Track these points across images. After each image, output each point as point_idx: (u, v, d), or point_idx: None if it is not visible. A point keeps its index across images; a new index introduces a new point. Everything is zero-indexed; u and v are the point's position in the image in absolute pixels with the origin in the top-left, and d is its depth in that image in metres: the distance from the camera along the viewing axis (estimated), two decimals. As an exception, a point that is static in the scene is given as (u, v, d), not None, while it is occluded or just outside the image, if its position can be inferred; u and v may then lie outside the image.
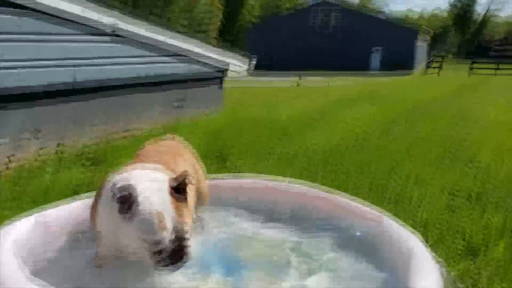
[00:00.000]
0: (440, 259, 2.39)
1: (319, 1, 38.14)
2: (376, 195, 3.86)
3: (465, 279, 2.59)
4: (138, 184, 1.94)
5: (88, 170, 4.85)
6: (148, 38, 6.85)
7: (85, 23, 5.76)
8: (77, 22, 5.65)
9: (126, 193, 1.87)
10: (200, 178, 2.60)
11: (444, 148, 5.80)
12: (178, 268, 1.89)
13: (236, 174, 3.65)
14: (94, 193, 2.64)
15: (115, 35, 6.23)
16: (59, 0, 5.36)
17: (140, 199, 1.88)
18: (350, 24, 36.02)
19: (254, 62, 9.12)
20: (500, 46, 50.04)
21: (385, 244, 2.36)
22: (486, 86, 17.73)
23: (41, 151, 5.39)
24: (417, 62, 36.17)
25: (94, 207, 2.08)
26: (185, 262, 1.89)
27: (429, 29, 42.08)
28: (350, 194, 2.71)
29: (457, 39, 55.72)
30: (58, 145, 5.60)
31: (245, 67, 8.86)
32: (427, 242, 2.48)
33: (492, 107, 10.21)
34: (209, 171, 2.80)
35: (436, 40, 47.88)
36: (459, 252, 2.92)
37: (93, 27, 5.88)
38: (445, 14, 63.68)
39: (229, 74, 8.74)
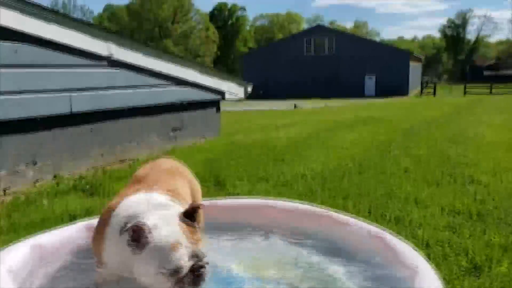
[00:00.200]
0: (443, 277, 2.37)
1: (313, 27, 38.68)
2: (375, 218, 3.83)
3: (470, 298, 2.54)
4: (148, 214, 1.90)
5: (84, 200, 4.81)
6: (143, 66, 6.90)
7: (82, 51, 5.81)
8: (74, 50, 5.69)
9: (137, 225, 1.83)
10: (199, 196, 2.58)
11: (442, 168, 5.80)
12: None
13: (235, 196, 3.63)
14: (89, 219, 2.61)
15: (112, 64, 6.27)
16: (55, 29, 5.41)
17: (152, 229, 1.84)
18: (344, 49, 36.46)
19: (250, 88, 9.16)
20: (492, 70, 50.79)
21: (389, 260, 2.33)
22: (481, 106, 17.87)
23: (37, 183, 5.36)
24: (411, 87, 36.54)
25: (98, 239, 2.01)
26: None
27: (421, 56, 42.68)
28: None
29: (449, 63, 56.51)
30: (55, 176, 5.57)
31: (242, 93, 8.91)
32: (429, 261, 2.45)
33: (488, 127, 10.26)
34: (206, 195, 2.78)
35: (429, 65, 48.51)
36: (463, 270, 2.87)
37: (89, 55, 5.92)
38: (436, 40, 64.82)
39: (226, 99, 8.79)
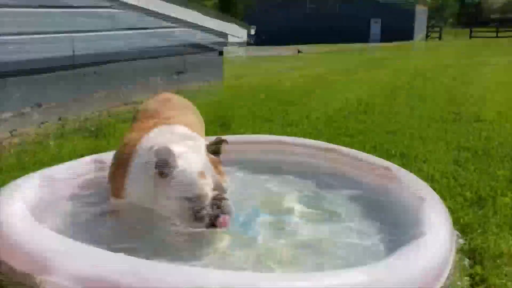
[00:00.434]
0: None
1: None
2: (381, 154, 3.84)
3: (474, 227, 2.57)
4: (175, 143, 1.91)
5: (90, 141, 4.84)
6: (147, 7, 6.75)
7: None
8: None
9: (164, 152, 1.84)
10: (204, 132, 2.59)
11: (448, 108, 5.78)
12: (222, 227, 1.86)
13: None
14: (98, 155, 2.62)
15: (115, 5, 6.14)
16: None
17: (179, 156, 1.85)
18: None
19: (253, 31, 8.99)
20: (499, 14, 49.57)
21: (396, 190, 2.37)
22: (487, 48, 17.58)
23: (43, 125, 5.37)
24: (417, 32, 35.80)
25: (119, 172, 2.02)
26: (227, 222, 1.86)
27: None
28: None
29: (456, 7, 55.11)
30: (60, 119, 5.58)
31: (245, 35, 8.75)
32: (435, 191, 2.48)
33: (494, 68, 10.14)
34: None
35: (436, 9, 47.34)
36: (467, 201, 2.91)
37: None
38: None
39: (230, 42, 8.65)
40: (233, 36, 8.52)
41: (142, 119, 2.30)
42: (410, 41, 31.05)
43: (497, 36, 26.60)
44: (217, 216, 1.82)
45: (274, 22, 35.80)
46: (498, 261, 2.21)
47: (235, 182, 2.38)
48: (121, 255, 1.53)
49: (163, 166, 1.83)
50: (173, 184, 1.83)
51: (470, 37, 26.69)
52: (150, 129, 2.06)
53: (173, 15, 7.33)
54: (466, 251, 2.33)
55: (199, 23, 7.91)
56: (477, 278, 2.08)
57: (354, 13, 35.64)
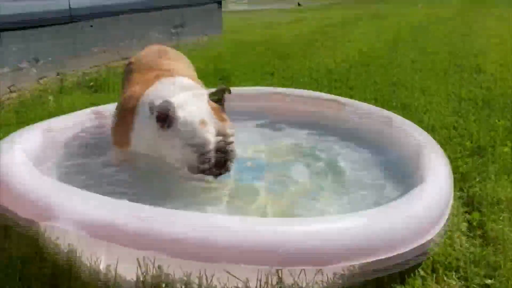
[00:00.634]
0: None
1: None
2: (382, 105, 3.81)
3: (473, 175, 2.60)
4: (178, 94, 1.92)
5: (89, 96, 4.82)
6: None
7: None
8: None
9: (165, 108, 1.84)
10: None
11: (449, 60, 5.71)
12: (226, 172, 1.89)
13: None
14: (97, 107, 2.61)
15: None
16: None
17: (180, 106, 1.86)
18: None
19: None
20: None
21: (396, 137, 2.38)
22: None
23: (41, 80, 5.33)
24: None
25: (123, 124, 2.03)
26: (231, 167, 1.89)
27: None
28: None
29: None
30: (58, 74, 5.53)
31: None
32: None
33: (497, 20, 9.96)
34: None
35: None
36: (467, 150, 2.92)
37: None
38: None
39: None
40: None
41: (140, 71, 2.28)
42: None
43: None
44: (221, 162, 1.84)
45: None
46: (495, 207, 2.24)
47: (237, 131, 2.39)
48: (124, 201, 1.55)
49: (164, 119, 1.84)
50: (175, 135, 1.85)
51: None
52: (153, 81, 2.05)
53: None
54: (464, 199, 2.36)
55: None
56: (474, 223, 2.11)
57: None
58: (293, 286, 1.52)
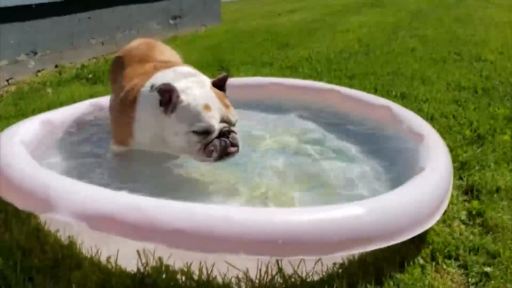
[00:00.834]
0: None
1: None
2: (382, 94, 3.82)
3: (473, 163, 2.59)
4: (181, 80, 1.91)
5: (88, 88, 4.80)
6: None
7: None
8: None
9: (166, 86, 1.84)
10: None
11: (449, 48, 5.69)
12: (229, 157, 1.87)
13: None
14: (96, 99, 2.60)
15: None
16: None
17: (183, 90, 1.86)
18: None
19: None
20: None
21: (396, 127, 2.37)
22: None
23: (39, 72, 5.32)
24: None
25: (125, 116, 2.00)
26: (235, 151, 1.88)
27: None
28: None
29: None
30: (56, 66, 5.52)
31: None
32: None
33: (497, 8, 9.91)
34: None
35: None
36: (467, 139, 2.92)
37: None
38: None
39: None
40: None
41: (133, 64, 2.25)
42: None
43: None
44: (225, 148, 1.83)
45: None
46: (495, 196, 2.25)
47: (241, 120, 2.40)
48: (124, 192, 1.54)
49: (167, 102, 1.84)
50: (179, 119, 1.84)
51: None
52: (152, 72, 2.04)
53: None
54: (464, 187, 2.36)
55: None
56: (474, 212, 2.12)
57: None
58: (293, 275, 1.52)
